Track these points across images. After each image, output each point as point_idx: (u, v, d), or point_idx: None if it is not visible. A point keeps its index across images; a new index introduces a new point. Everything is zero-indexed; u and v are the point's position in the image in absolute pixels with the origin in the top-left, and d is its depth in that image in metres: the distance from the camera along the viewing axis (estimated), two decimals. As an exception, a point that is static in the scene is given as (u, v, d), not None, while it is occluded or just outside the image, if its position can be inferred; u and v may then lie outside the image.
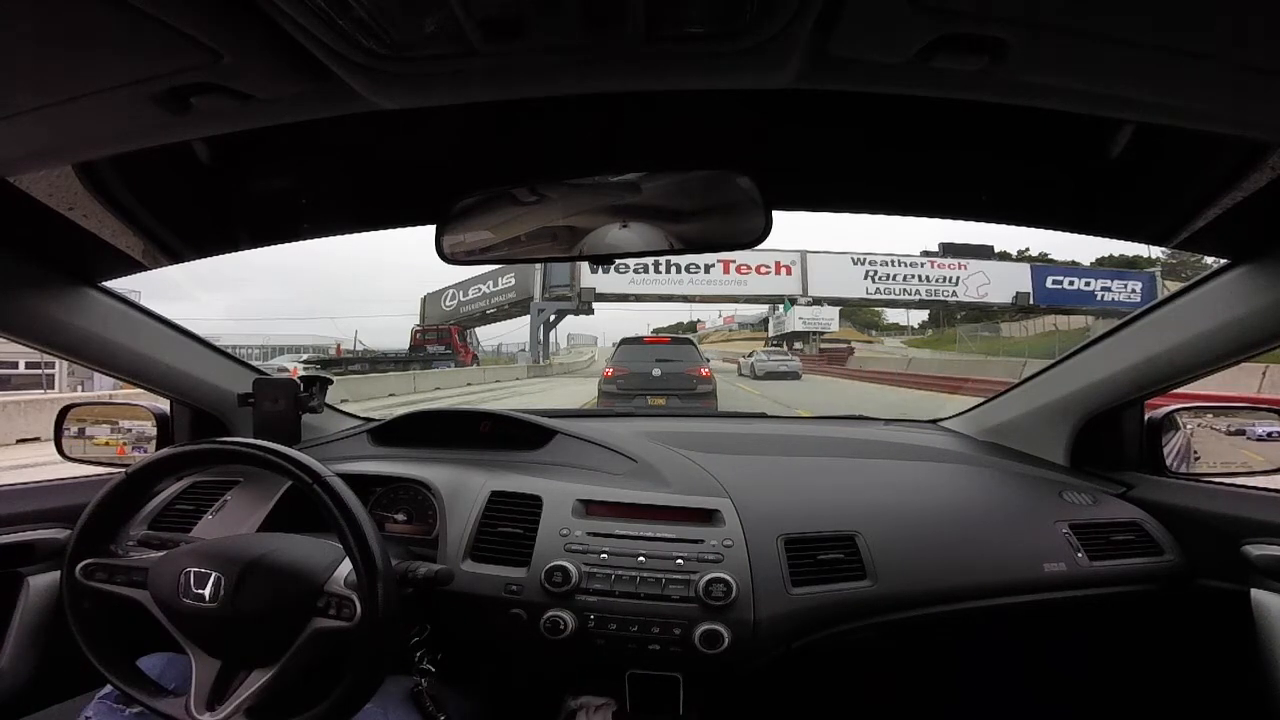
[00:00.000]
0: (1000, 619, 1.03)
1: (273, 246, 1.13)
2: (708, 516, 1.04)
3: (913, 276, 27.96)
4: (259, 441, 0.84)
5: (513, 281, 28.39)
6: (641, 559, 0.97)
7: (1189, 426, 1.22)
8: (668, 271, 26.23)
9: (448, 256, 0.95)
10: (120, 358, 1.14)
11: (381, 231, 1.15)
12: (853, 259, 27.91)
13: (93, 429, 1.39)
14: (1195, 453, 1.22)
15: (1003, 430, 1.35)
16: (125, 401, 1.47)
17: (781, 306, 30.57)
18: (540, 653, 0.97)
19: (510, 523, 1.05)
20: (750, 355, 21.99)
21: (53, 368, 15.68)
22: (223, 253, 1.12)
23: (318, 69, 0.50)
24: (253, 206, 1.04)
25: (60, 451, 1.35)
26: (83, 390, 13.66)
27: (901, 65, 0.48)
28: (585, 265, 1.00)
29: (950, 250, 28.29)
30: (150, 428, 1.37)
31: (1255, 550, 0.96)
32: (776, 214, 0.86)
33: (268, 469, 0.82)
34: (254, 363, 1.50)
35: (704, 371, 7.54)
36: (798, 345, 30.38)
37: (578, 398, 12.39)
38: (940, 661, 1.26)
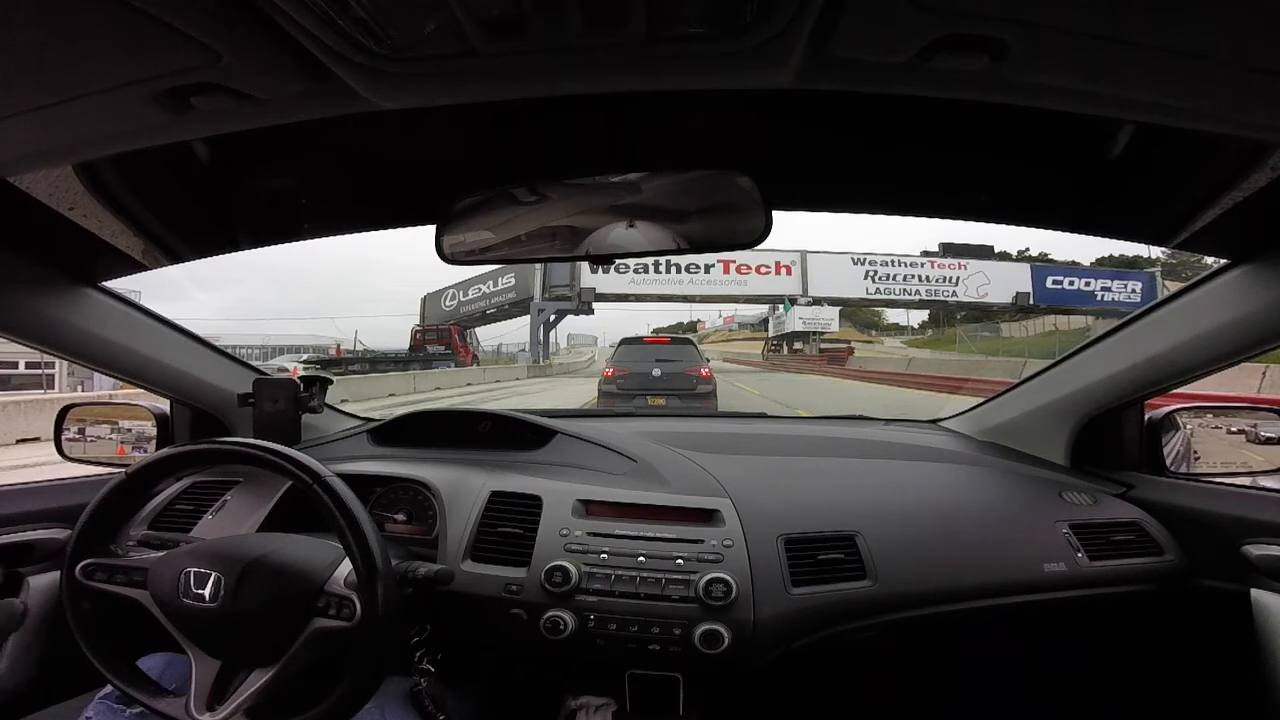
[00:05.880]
0: (1000, 619, 1.03)
1: (273, 246, 1.13)
2: (708, 516, 1.04)
3: (913, 276, 27.94)
4: (259, 441, 0.84)
5: (513, 281, 28.39)
6: (641, 559, 0.97)
7: (1189, 426, 1.23)
8: (668, 271, 26.21)
9: (448, 256, 0.95)
10: (120, 358, 1.14)
11: (382, 231, 1.16)
12: (853, 259, 27.90)
13: (93, 429, 1.39)
14: (1195, 453, 1.22)
15: (1003, 430, 1.35)
16: (125, 401, 1.47)
17: (781, 306, 30.58)
18: (540, 653, 0.97)
19: (510, 523, 1.05)
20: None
21: (53, 368, 15.68)
22: (223, 253, 1.11)
23: (318, 69, 0.50)
24: (253, 206, 1.04)
25: (60, 451, 1.35)
26: (83, 390, 13.66)
27: (902, 65, 0.48)
28: (585, 265, 1.00)
29: (950, 250, 28.30)
30: (150, 428, 1.37)
31: (1255, 550, 0.96)
32: (776, 214, 0.86)
33: (267, 469, 0.82)
34: (254, 363, 1.50)
35: (704, 372, 7.54)
36: (798, 345, 30.33)
37: (578, 398, 12.38)
38: (941, 661, 1.26)
